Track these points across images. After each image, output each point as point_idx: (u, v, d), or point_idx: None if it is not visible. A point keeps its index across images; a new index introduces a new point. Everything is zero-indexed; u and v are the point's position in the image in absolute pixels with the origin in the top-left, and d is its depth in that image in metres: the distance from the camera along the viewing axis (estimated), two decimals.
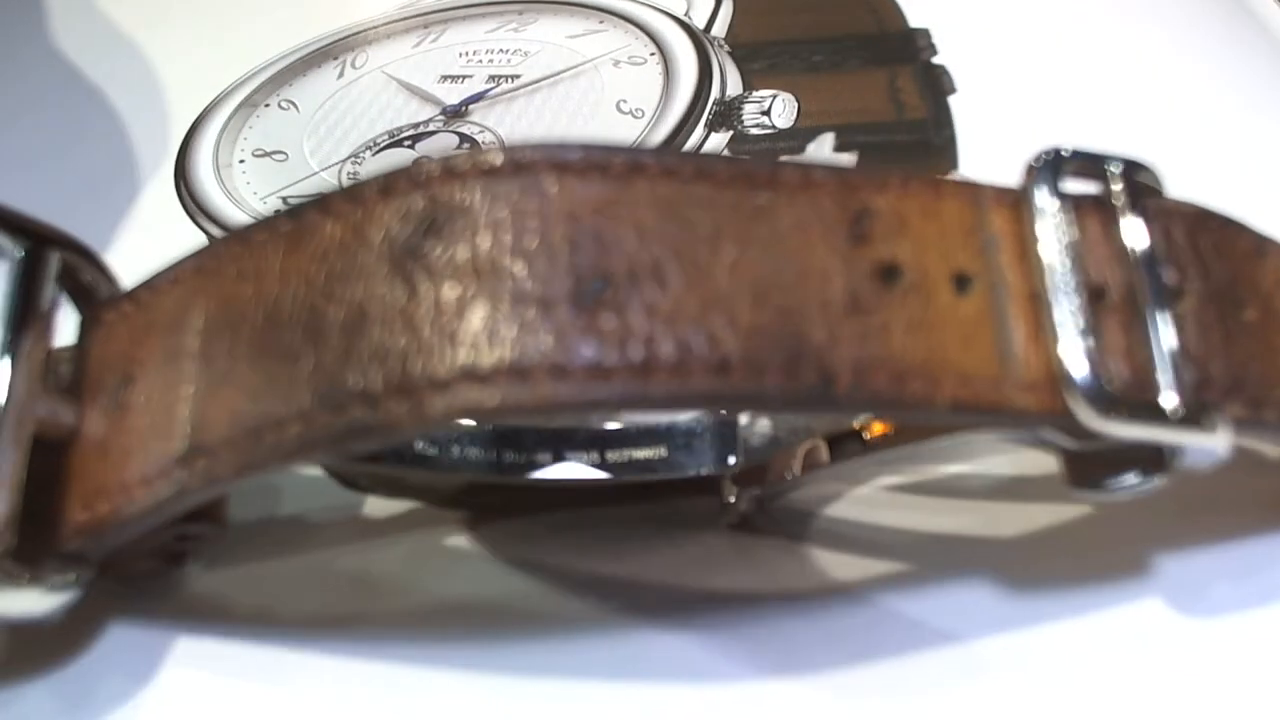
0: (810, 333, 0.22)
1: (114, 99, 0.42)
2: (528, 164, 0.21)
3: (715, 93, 0.40)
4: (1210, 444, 0.23)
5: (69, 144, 0.40)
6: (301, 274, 0.23)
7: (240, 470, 0.23)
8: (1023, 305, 0.23)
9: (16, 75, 0.43)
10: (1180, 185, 0.35)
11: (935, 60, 0.41)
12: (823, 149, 0.37)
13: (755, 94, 0.40)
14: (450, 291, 0.21)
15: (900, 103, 0.39)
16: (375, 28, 0.44)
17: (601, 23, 0.43)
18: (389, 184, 0.22)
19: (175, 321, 0.24)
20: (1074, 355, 0.22)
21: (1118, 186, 0.24)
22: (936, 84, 0.40)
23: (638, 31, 0.43)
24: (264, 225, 0.23)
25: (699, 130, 0.38)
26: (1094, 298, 0.23)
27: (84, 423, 0.25)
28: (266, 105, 0.41)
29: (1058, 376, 0.22)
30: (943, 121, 0.38)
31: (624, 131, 0.38)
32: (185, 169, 0.39)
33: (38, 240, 0.25)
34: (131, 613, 0.26)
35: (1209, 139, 0.37)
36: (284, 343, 0.23)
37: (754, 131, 0.38)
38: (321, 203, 0.23)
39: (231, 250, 0.24)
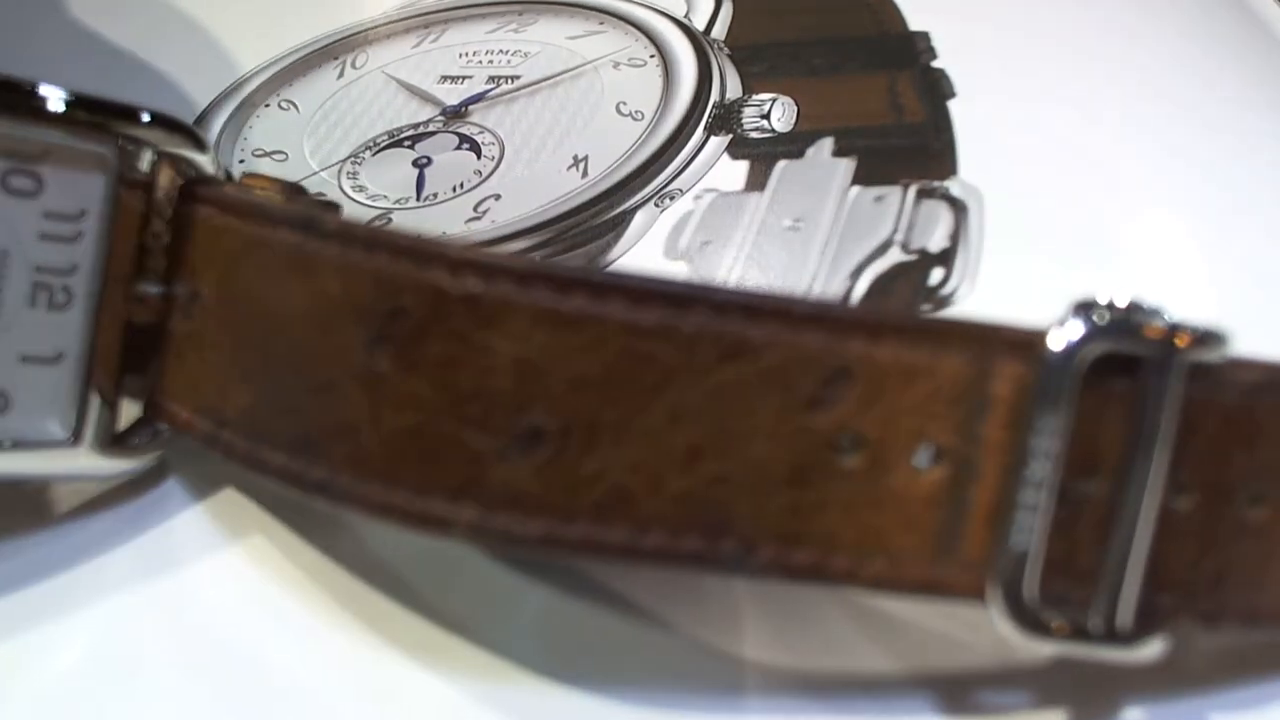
0: (738, 504, 0.21)
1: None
2: (497, 300, 0.21)
3: (715, 95, 0.40)
4: (1137, 658, 0.21)
5: None
6: (298, 307, 0.23)
7: (246, 463, 0.24)
8: (990, 485, 0.21)
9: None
10: (1180, 187, 0.35)
11: (935, 64, 0.41)
12: (822, 153, 0.37)
13: (755, 97, 0.40)
14: (401, 399, 0.21)
15: (900, 106, 0.39)
16: (375, 28, 0.44)
17: (601, 24, 0.43)
18: (373, 241, 0.22)
19: (227, 269, 0.25)
20: (1015, 559, 0.21)
21: (1160, 361, 0.21)
22: (936, 88, 0.40)
23: (638, 33, 0.43)
24: (284, 220, 0.24)
25: (698, 133, 0.38)
26: (1081, 477, 0.21)
27: (171, 309, 0.26)
28: (266, 105, 0.41)
29: (993, 567, 0.21)
30: (942, 126, 0.38)
31: (623, 133, 0.38)
32: None
33: (133, 120, 0.26)
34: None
35: (1209, 140, 0.37)
36: (285, 369, 0.23)
37: (753, 135, 0.38)
38: (319, 229, 0.23)
39: (267, 234, 0.24)
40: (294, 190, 0.28)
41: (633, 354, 0.20)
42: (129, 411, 0.26)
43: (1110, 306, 0.21)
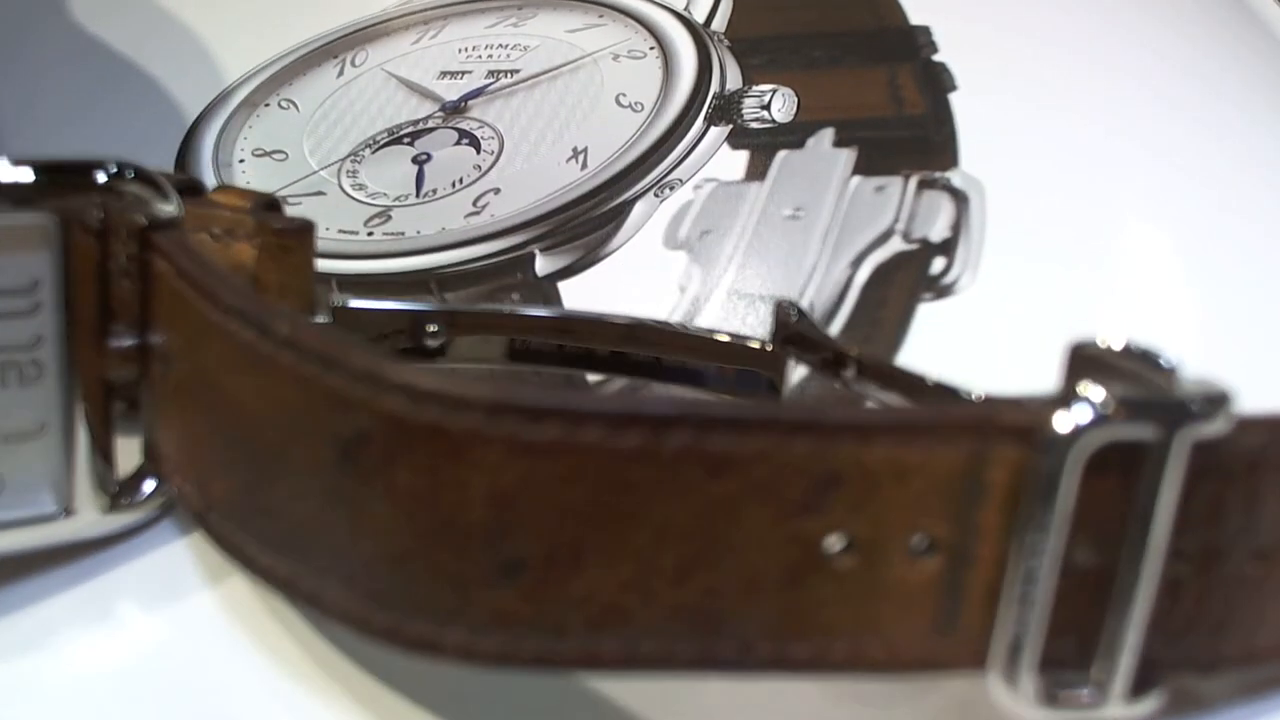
0: (733, 611, 0.20)
1: (114, 99, 0.42)
2: (465, 432, 0.19)
3: (715, 87, 0.40)
4: (1134, 716, 0.21)
5: (70, 145, 0.40)
6: (263, 409, 0.22)
7: (234, 556, 0.23)
8: (986, 569, 0.20)
9: (15, 75, 0.43)
10: (1179, 187, 0.35)
11: (936, 58, 0.41)
12: (822, 143, 0.37)
13: (755, 89, 0.40)
14: (377, 526, 0.21)
15: (900, 99, 0.39)
16: (374, 25, 0.44)
17: (601, 17, 0.43)
18: (328, 360, 0.21)
19: (191, 344, 0.24)
20: (1012, 643, 0.20)
21: (1162, 444, 0.20)
22: (937, 81, 0.40)
23: (637, 26, 0.43)
24: (236, 313, 0.22)
25: (698, 124, 0.38)
26: (1080, 551, 0.20)
27: (149, 358, 0.25)
28: (266, 105, 0.41)
29: (993, 644, 0.20)
30: (943, 118, 0.38)
31: (623, 125, 0.38)
32: (186, 168, 0.39)
33: (67, 172, 0.24)
34: None
35: (1209, 139, 0.37)
36: (260, 468, 0.22)
37: (753, 126, 0.38)
38: (272, 335, 0.21)
39: (222, 322, 0.23)
40: (266, 206, 0.27)
41: (614, 480, 0.20)
42: (126, 465, 0.26)
43: (1111, 384, 0.20)
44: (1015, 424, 0.20)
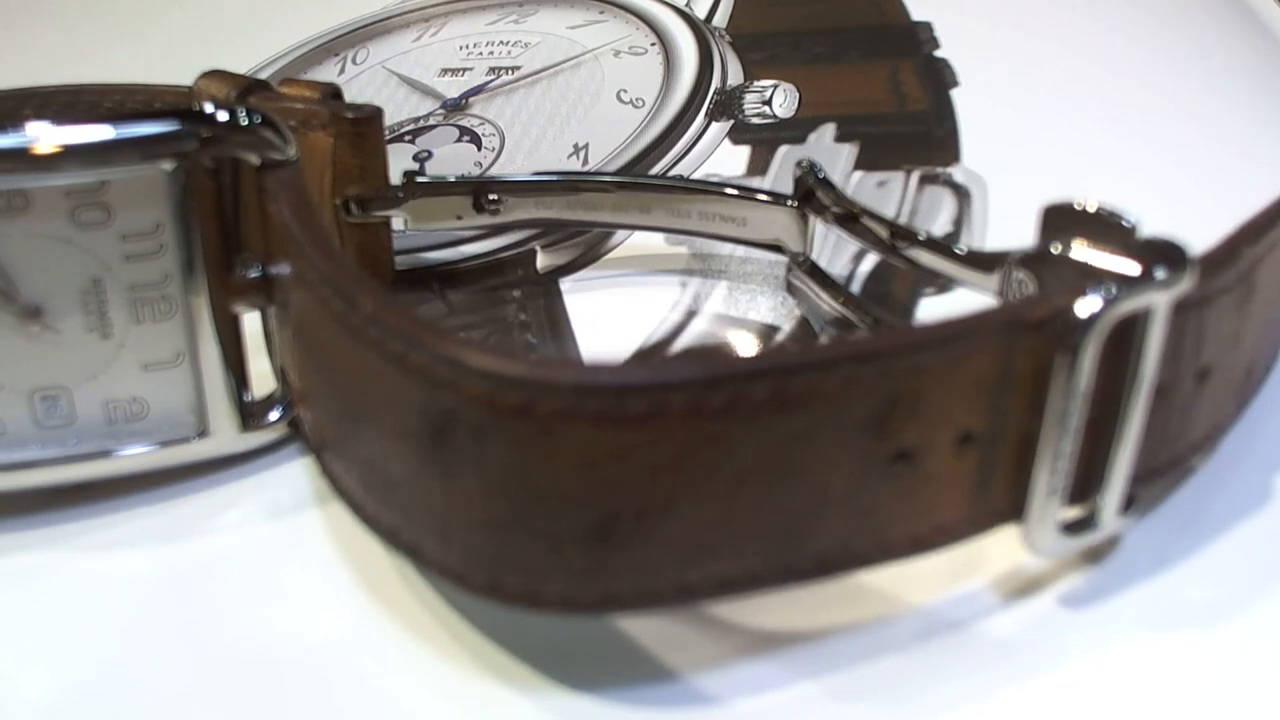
0: (805, 525, 0.22)
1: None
2: (553, 412, 0.20)
3: (716, 82, 0.40)
4: (1125, 526, 0.24)
5: None
6: (360, 374, 0.23)
7: (341, 496, 0.24)
8: (1015, 447, 0.22)
9: (13, 72, 0.43)
10: (1179, 186, 0.35)
11: (937, 54, 0.41)
12: (824, 138, 0.37)
13: (756, 84, 0.40)
14: (471, 495, 0.21)
15: (902, 95, 0.39)
16: (375, 23, 0.44)
17: (602, 13, 0.43)
18: (411, 340, 0.21)
19: (296, 289, 0.24)
20: (1043, 498, 0.23)
21: (1158, 301, 0.22)
22: (939, 77, 0.40)
23: (638, 22, 0.43)
24: (325, 283, 0.23)
25: (699, 120, 0.38)
26: (1091, 412, 0.22)
27: (273, 288, 0.26)
28: None
29: (1030, 498, 0.23)
30: (944, 114, 0.38)
31: (624, 121, 0.38)
32: None
33: (188, 117, 0.25)
34: None
35: (1209, 138, 0.37)
36: (361, 426, 0.23)
37: (755, 121, 0.38)
38: (358, 310, 0.22)
39: (315, 283, 0.23)
40: (332, 95, 0.30)
41: (701, 435, 0.20)
42: (263, 389, 0.27)
43: (1115, 276, 0.22)
44: (1039, 317, 0.22)
